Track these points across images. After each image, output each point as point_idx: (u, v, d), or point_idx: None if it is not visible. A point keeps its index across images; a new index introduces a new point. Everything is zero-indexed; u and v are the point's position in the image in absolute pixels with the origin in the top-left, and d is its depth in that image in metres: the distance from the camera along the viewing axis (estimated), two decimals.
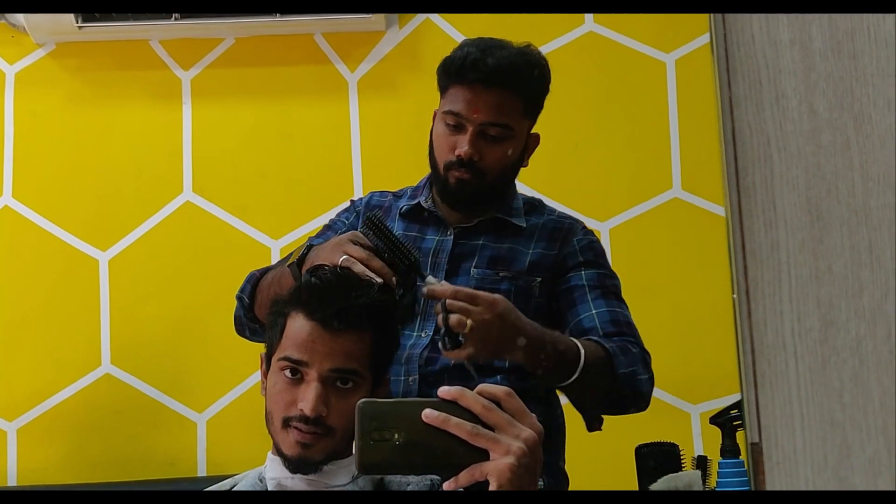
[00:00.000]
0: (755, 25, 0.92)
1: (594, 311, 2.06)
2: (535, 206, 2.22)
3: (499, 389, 1.16)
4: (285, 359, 1.64)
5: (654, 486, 2.80)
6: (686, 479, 2.32)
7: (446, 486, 1.17)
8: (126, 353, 3.21)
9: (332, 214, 3.25)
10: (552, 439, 2.07)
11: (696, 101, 3.18)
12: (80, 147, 3.28)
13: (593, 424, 2.03)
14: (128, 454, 3.15)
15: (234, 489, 1.71)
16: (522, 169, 2.17)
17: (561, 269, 2.12)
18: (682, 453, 2.81)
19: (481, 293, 1.80)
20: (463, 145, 2.05)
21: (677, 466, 2.79)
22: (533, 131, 2.15)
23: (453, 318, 1.76)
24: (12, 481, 3.14)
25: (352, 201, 2.34)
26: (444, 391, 1.14)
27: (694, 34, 3.18)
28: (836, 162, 0.88)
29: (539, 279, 2.09)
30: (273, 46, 3.28)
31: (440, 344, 1.80)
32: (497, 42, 2.10)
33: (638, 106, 3.23)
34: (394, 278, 1.80)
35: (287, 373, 1.64)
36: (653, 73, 3.25)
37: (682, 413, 3.01)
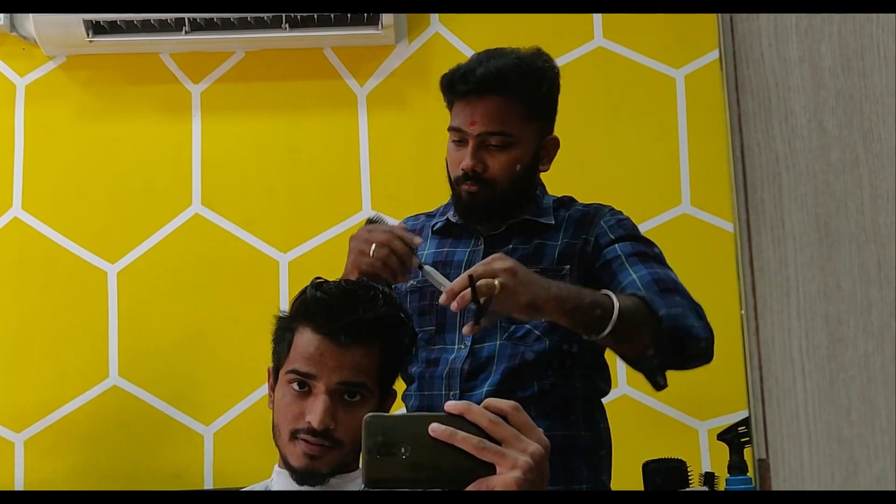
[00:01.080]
0: (764, 42, 0.92)
1: (635, 276, 2.01)
2: (564, 202, 2.19)
3: (505, 404, 1.15)
4: (293, 371, 1.64)
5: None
6: None
7: None
8: (134, 365, 3.21)
9: (341, 227, 3.29)
10: (593, 454, 2.07)
11: (705, 117, 3.18)
12: (90, 159, 3.29)
13: (656, 380, 1.98)
14: (134, 466, 3.15)
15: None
16: None
17: (595, 250, 2.08)
18: (689, 470, 2.81)
19: (486, 260, 1.80)
20: (466, 159, 2.06)
21: (684, 482, 2.79)
22: (553, 135, 2.15)
23: (481, 284, 1.74)
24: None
25: None
26: (451, 405, 1.14)
27: (704, 50, 3.18)
28: (844, 179, 0.88)
29: (567, 267, 2.07)
30: (283, 60, 3.29)
31: (475, 319, 1.78)
32: (497, 51, 2.11)
33: (647, 121, 3.22)
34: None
35: (295, 385, 1.64)
36: (662, 88, 3.24)
37: (689, 429, 3.00)
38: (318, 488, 1.64)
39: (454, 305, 1.76)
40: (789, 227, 0.87)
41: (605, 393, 2.15)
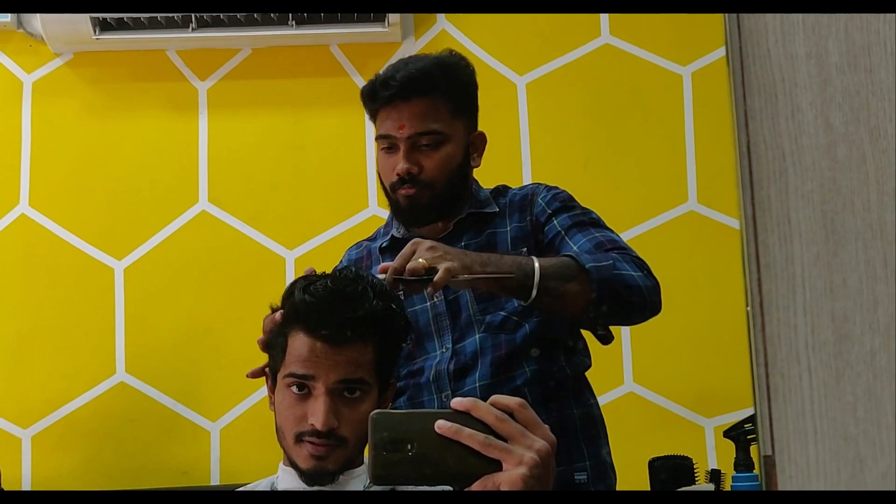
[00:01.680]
0: (771, 39, 0.91)
1: (575, 247, 2.03)
2: (500, 191, 2.21)
3: (512, 401, 1.15)
4: (291, 375, 1.64)
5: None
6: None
7: None
8: (140, 361, 3.21)
9: (347, 225, 3.29)
10: (588, 431, 2.08)
11: (711, 114, 3.17)
12: (97, 156, 3.29)
13: (597, 332, 2.05)
14: (141, 463, 3.15)
15: None
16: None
17: (538, 228, 2.10)
18: (695, 467, 2.80)
19: (404, 249, 1.84)
20: (400, 163, 2.06)
21: (691, 479, 2.79)
22: (479, 130, 2.16)
23: (409, 269, 1.78)
24: (27, 488, 3.15)
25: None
26: (457, 402, 1.14)
27: (710, 47, 3.17)
28: (851, 176, 0.87)
29: (524, 249, 2.08)
30: (289, 57, 3.29)
31: (427, 292, 1.84)
32: (411, 57, 2.15)
33: (653, 119, 3.22)
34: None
35: (294, 388, 1.63)
36: (669, 85, 3.24)
37: (695, 427, 3.00)
38: (327, 487, 1.64)
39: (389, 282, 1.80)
40: (795, 224, 0.87)
41: (588, 366, 2.17)
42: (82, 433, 3.17)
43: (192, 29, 3.18)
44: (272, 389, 1.72)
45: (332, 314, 1.64)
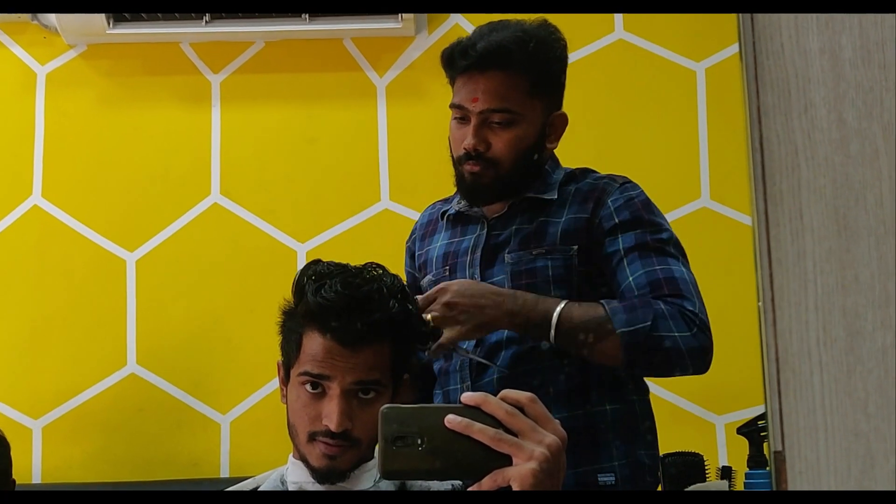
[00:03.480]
0: (784, 34, 0.91)
1: (630, 279, 1.92)
2: (575, 175, 2.09)
3: (522, 395, 1.15)
4: (306, 374, 1.62)
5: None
6: (713, 489, 2.30)
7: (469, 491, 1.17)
8: (152, 353, 3.22)
9: (359, 218, 3.29)
10: (622, 428, 1.98)
11: (725, 110, 3.16)
12: (110, 148, 3.30)
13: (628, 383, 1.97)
14: (151, 454, 3.16)
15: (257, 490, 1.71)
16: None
17: (599, 234, 1.98)
18: (706, 464, 2.80)
19: (430, 291, 1.85)
20: (468, 137, 1.97)
21: (701, 477, 2.78)
22: (561, 111, 2.04)
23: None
24: (37, 479, 3.15)
25: (407, 241, 2.30)
26: (467, 397, 1.14)
27: (725, 43, 3.16)
28: (864, 171, 0.87)
29: (576, 247, 1.97)
30: (302, 51, 3.29)
31: (425, 352, 1.82)
32: (500, 23, 2.02)
33: (667, 115, 3.22)
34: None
35: (308, 387, 1.62)
36: (682, 81, 3.23)
37: (706, 423, 3.00)
38: (338, 484, 1.64)
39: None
40: (808, 220, 0.86)
41: None
42: (93, 424, 3.18)
43: (206, 22, 3.19)
44: (284, 382, 1.70)
45: (348, 317, 1.61)
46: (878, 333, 0.84)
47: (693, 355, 1.86)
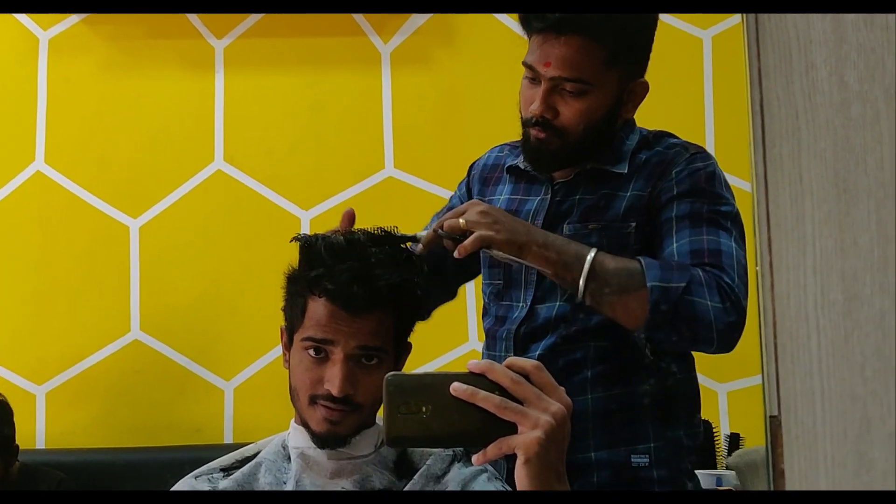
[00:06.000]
0: None
1: (675, 244, 1.82)
2: (648, 141, 1.98)
3: (528, 363, 1.15)
4: (309, 339, 1.62)
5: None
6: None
7: (475, 459, 1.17)
8: (155, 319, 3.22)
9: (362, 186, 3.28)
10: (661, 409, 1.91)
11: (731, 78, 3.15)
12: (113, 114, 3.29)
13: (647, 350, 1.86)
14: (155, 420, 3.18)
15: (259, 455, 1.71)
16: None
17: (656, 205, 1.88)
18: (714, 430, 2.80)
19: (460, 206, 1.77)
20: (536, 102, 1.86)
21: (710, 442, 2.78)
22: (643, 79, 1.92)
23: (446, 224, 1.72)
24: (41, 444, 3.17)
25: (470, 167, 2.18)
26: (473, 364, 1.14)
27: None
28: (864, 134, 0.86)
29: (634, 224, 1.88)
30: (307, 16, 3.28)
31: (450, 249, 1.74)
32: None
33: (673, 83, 3.20)
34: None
35: (311, 352, 1.62)
36: (689, 49, 3.22)
37: (708, 391, 3.00)
38: (338, 449, 1.64)
39: (420, 250, 1.75)
40: (807, 183, 0.86)
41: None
42: (96, 390, 3.19)
43: None
44: (287, 347, 1.70)
45: (354, 287, 1.61)
46: (876, 297, 0.83)
47: (721, 330, 1.75)
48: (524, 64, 1.88)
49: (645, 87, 1.93)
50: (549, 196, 1.96)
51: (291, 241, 1.71)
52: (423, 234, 1.78)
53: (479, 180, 2.11)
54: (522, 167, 2.00)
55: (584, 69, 1.83)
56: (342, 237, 1.66)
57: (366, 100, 3.28)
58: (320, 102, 3.29)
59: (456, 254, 1.72)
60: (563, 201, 1.94)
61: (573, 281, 1.75)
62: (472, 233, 1.72)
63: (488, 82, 3.22)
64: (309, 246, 1.67)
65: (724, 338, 1.76)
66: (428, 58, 3.29)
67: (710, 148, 3.15)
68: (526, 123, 1.90)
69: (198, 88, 3.30)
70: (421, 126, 3.25)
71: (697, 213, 1.84)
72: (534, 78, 1.87)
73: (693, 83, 3.22)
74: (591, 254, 1.75)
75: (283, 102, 3.30)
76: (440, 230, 1.72)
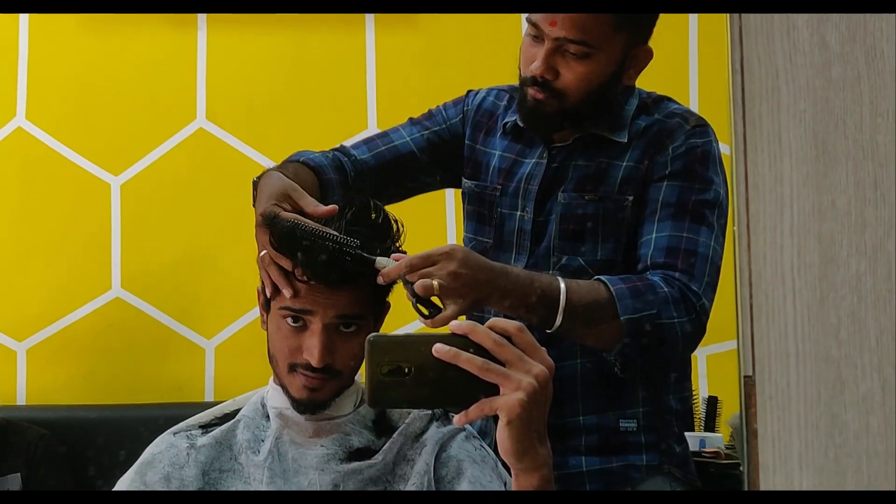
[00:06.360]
0: None
1: (654, 235, 1.80)
2: (647, 106, 1.94)
3: (510, 324, 1.14)
4: (287, 308, 1.61)
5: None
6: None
7: (456, 420, 1.18)
8: (136, 277, 3.22)
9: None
10: (651, 373, 1.89)
11: (715, 38, 3.14)
12: (95, 70, 3.27)
13: (615, 368, 1.80)
14: (136, 378, 3.17)
15: (240, 414, 1.71)
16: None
17: (648, 178, 1.85)
18: (693, 394, 2.81)
19: (433, 250, 1.62)
20: (537, 61, 1.81)
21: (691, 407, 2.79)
22: (646, 46, 1.88)
23: (418, 285, 1.58)
24: (21, 401, 3.17)
25: (468, 93, 2.11)
26: (455, 325, 1.14)
27: None
28: (844, 96, 0.86)
29: (631, 198, 1.86)
30: None
31: (421, 319, 1.63)
32: None
33: (657, 42, 3.18)
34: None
35: (289, 320, 1.61)
36: (673, 18, 3.21)
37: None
38: (318, 413, 1.63)
39: (381, 281, 1.61)
40: (786, 144, 0.86)
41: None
42: (77, 348, 3.18)
43: None
44: (265, 309, 1.69)
45: (329, 273, 1.59)
46: (852, 260, 0.83)
47: (686, 340, 1.77)
48: (528, 20, 1.83)
49: (648, 54, 1.89)
50: (545, 161, 1.92)
51: (264, 220, 1.64)
52: (385, 262, 1.62)
53: (472, 123, 2.06)
54: (521, 124, 1.95)
55: (591, 32, 1.78)
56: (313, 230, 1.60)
57: (349, 58, 3.26)
58: (303, 60, 3.27)
59: (430, 324, 1.62)
60: (559, 167, 1.91)
61: (544, 318, 1.69)
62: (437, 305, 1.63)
63: (474, 41, 3.20)
64: (283, 232, 1.61)
65: (688, 345, 1.80)
66: (411, 16, 3.27)
67: (693, 108, 3.14)
68: (524, 82, 1.85)
69: (180, 45, 3.27)
70: (405, 85, 3.23)
71: (683, 202, 1.82)
72: (537, 36, 1.82)
73: (678, 42, 3.21)
74: (563, 290, 1.69)
75: (266, 61, 3.28)
76: (408, 284, 1.61)
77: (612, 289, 1.73)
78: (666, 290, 1.74)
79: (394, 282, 1.62)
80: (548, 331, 1.70)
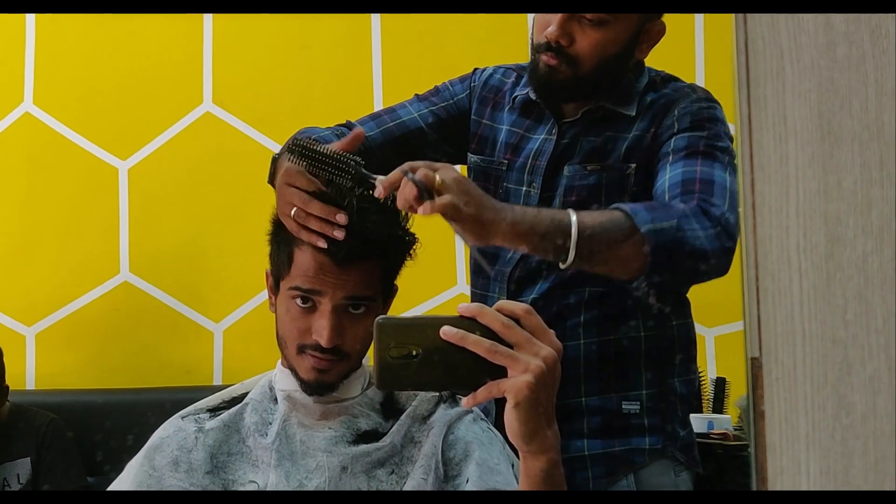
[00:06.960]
0: None
1: (668, 175, 1.75)
2: (656, 83, 1.93)
3: (518, 307, 1.14)
4: (296, 288, 1.61)
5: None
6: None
7: (464, 402, 1.18)
8: (144, 261, 3.22)
9: None
10: (657, 354, 1.88)
11: (722, 28, 3.13)
12: (102, 55, 3.27)
13: (648, 301, 1.70)
14: (145, 361, 3.19)
15: (247, 397, 1.71)
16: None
17: (657, 144, 1.83)
18: (700, 374, 2.81)
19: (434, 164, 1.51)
20: (552, 26, 1.79)
21: (698, 389, 2.80)
22: (660, 20, 1.87)
23: (420, 172, 1.46)
24: (31, 385, 3.18)
25: (475, 70, 2.09)
26: (463, 308, 1.14)
27: None
28: (850, 76, 0.85)
29: (633, 166, 1.84)
30: None
31: (413, 206, 1.47)
32: None
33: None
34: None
35: (298, 301, 1.60)
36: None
37: (697, 336, 3.00)
38: (326, 395, 1.64)
39: (380, 192, 1.51)
40: (791, 124, 0.85)
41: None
42: (86, 332, 3.20)
43: None
44: (273, 292, 1.69)
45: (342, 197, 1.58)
46: (858, 240, 0.83)
47: (717, 254, 1.65)
48: None
49: (662, 29, 1.88)
50: (554, 136, 1.91)
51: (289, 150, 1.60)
52: (382, 177, 1.52)
53: (479, 98, 2.04)
54: (533, 97, 1.93)
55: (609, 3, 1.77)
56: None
57: (354, 40, 3.26)
58: (309, 43, 3.27)
59: (420, 210, 1.48)
60: (570, 143, 1.90)
61: (558, 248, 1.58)
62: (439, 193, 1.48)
63: (479, 23, 3.19)
64: (302, 148, 1.58)
65: (721, 261, 1.66)
66: None
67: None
68: (537, 49, 1.84)
69: (186, 29, 3.27)
70: (410, 65, 3.23)
71: (694, 145, 1.78)
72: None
73: (683, 24, 3.20)
74: (574, 215, 1.57)
75: (273, 43, 3.28)
76: (410, 173, 1.48)
77: (623, 207, 1.63)
78: (682, 206, 1.67)
79: (394, 192, 1.50)
80: (563, 265, 1.58)
